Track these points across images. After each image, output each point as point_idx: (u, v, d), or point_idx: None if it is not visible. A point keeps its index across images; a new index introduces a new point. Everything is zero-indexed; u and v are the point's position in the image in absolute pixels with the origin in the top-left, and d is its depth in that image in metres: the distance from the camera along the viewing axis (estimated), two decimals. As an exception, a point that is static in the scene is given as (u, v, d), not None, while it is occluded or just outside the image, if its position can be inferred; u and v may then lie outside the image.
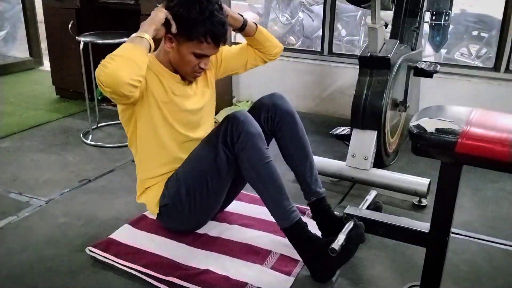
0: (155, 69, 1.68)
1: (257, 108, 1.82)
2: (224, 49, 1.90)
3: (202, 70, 1.70)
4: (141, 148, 1.76)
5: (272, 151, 1.83)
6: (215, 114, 3.29)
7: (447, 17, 2.69)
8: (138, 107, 1.67)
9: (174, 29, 1.59)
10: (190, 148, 1.76)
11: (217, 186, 1.70)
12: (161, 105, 1.68)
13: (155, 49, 1.65)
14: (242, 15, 1.82)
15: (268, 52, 1.95)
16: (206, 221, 1.88)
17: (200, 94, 1.83)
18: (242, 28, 1.83)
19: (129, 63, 1.45)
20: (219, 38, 1.62)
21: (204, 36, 1.59)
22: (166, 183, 1.75)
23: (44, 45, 4.12)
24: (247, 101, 3.63)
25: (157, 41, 1.58)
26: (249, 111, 1.82)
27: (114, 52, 1.46)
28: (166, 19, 1.58)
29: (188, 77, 1.74)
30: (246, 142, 1.59)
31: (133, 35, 1.54)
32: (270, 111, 1.80)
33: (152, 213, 1.85)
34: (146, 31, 1.53)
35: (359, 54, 2.30)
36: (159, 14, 1.57)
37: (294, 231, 1.63)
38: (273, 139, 1.86)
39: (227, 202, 1.94)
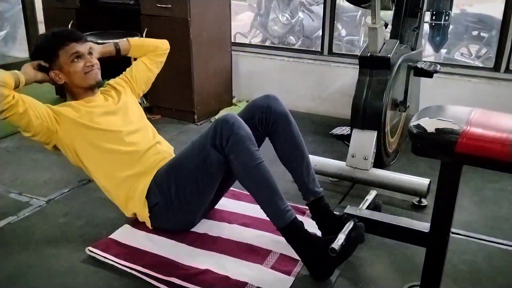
0: (70, 107, 1.85)
1: (251, 109, 1.84)
2: (128, 71, 2.12)
3: (92, 66, 1.85)
4: (97, 168, 1.86)
5: (269, 152, 1.84)
6: (215, 115, 3.32)
7: (447, 17, 2.69)
8: (65, 138, 1.82)
9: (43, 62, 1.83)
10: (137, 139, 1.89)
11: (207, 185, 1.74)
12: (79, 120, 1.82)
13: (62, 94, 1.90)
14: (113, 42, 2.05)
15: (154, 51, 2.13)
16: (196, 217, 1.89)
17: (112, 101, 1.97)
18: (119, 51, 2.05)
19: None
20: (69, 36, 1.84)
21: (62, 44, 1.81)
22: (156, 181, 1.78)
23: (44, 45, 4.11)
24: (247, 101, 3.62)
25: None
26: (242, 112, 1.85)
27: None
28: (38, 66, 1.82)
29: (90, 81, 1.87)
30: (237, 145, 1.61)
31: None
32: (264, 112, 1.81)
33: (145, 220, 1.86)
34: (23, 75, 1.76)
35: (359, 54, 2.30)
36: (26, 69, 1.80)
37: (290, 231, 1.63)
38: (268, 140, 1.87)
39: (217, 199, 1.96)
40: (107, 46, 2.04)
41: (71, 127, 1.82)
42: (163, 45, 2.17)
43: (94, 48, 1.93)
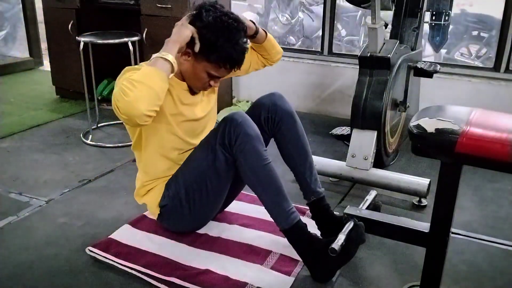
0: (172, 95, 1.67)
1: (256, 108, 1.82)
2: None
3: (211, 86, 1.71)
4: (144, 155, 1.77)
5: (271, 151, 1.84)
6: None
7: (447, 17, 2.69)
8: None
9: (197, 48, 1.57)
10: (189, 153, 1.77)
11: (216, 187, 1.71)
12: (169, 117, 1.68)
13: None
14: (254, 23, 1.80)
15: (271, 59, 1.98)
16: (206, 222, 1.88)
17: (206, 100, 1.84)
18: (254, 36, 1.82)
19: (150, 92, 1.40)
20: (236, 64, 1.64)
21: (224, 62, 1.60)
22: (166, 184, 1.76)
23: (44, 45, 4.12)
24: (247, 101, 3.63)
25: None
26: (248, 111, 1.83)
27: (135, 77, 1.41)
28: (192, 36, 1.56)
29: (195, 90, 1.74)
30: (245, 144, 1.59)
31: (156, 55, 1.49)
32: (270, 111, 1.79)
33: (153, 214, 1.85)
34: (170, 51, 1.50)
35: (359, 54, 2.30)
36: (186, 31, 1.55)
37: (294, 233, 1.63)
38: (272, 139, 1.86)
39: (227, 202, 1.94)
40: (251, 25, 1.77)
41: (160, 117, 1.64)
42: (279, 58, 2.01)
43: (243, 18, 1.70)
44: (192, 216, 1.77)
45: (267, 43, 1.89)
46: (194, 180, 1.69)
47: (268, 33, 1.89)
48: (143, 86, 1.40)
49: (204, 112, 1.81)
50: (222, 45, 1.56)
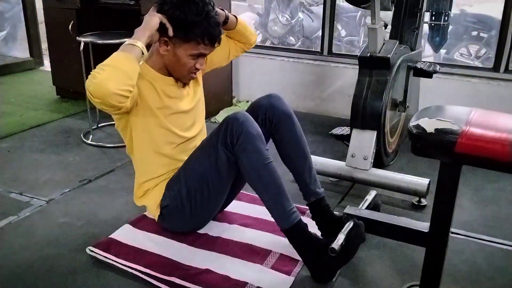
0: (148, 76, 1.68)
1: (254, 109, 1.82)
2: None
3: (198, 70, 1.72)
4: (138, 154, 1.78)
5: (271, 151, 1.84)
6: (215, 115, 3.32)
7: (446, 18, 2.69)
8: (132, 117, 1.68)
9: (170, 32, 1.58)
10: (186, 147, 1.78)
11: (218, 187, 1.71)
12: (156, 111, 1.69)
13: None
14: (223, 9, 1.81)
15: (248, 42, 1.99)
16: (207, 221, 1.88)
17: (193, 93, 1.85)
18: (225, 22, 1.83)
19: (118, 73, 1.44)
20: (215, 38, 1.64)
21: (202, 38, 1.60)
22: (167, 185, 1.76)
23: (44, 45, 4.12)
24: (247, 101, 3.64)
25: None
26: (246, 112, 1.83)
27: (104, 62, 1.46)
28: (161, 23, 1.57)
29: (183, 80, 1.75)
30: (246, 144, 1.59)
31: (126, 42, 1.53)
32: (267, 112, 1.80)
33: (153, 215, 1.85)
34: (139, 38, 1.52)
35: (358, 55, 2.30)
36: (153, 19, 1.56)
37: (294, 232, 1.63)
38: (271, 140, 1.86)
39: (228, 202, 1.94)
40: (221, 11, 1.77)
41: (146, 111, 1.68)
42: (255, 40, 2.02)
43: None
44: (194, 216, 1.77)
45: (239, 27, 1.90)
46: (196, 180, 1.69)
47: (238, 17, 1.90)
48: (110, 67, 1.44)
49: (191, 104, 1.82)
50: (193, 20, 1.57)
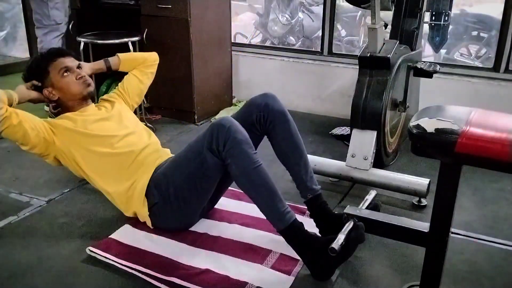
0: (65, 118, 1.93)
1: (249, 108, 1.86)
2: (120, 85, 2.21)
3: (84, 77, 1.95)
4: (97, 172, 1.90)
5: (269, 151, 1.84)
6: (215, 115, 3.32)
7: (446, 17, 2.69)
8: (63, 149, 1.88)
9: (36, 82, 1.92)
10: (133, 140, 1.94)
11: (205, 186, 1.76)
12: (75, 128, 1.89)
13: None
14: (104, 59, 2.14)
15: (144, 64, 2.23)
16: (196, 216, 1.90)
17: (105, 110, 2.05)
18: (109, 67, 2.15)
19: None
20: (56, 52, 1.97)
21: (50, 60, 1.92)
22: (155, 183, 1.79)
23: (44, 45, 4.11)
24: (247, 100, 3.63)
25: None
26: (240, 110, 1.88)
27: None
28: (31, 86, 1.91)
29: (83, 93, 1.96)
30: (234, 149, 1.61)
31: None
32: (262, 111, 1.83)
33: (144, 218, 1.87)
34: (17, 93, 1.83)
35: (359, 54, 2.30)
36: (20, 89, 1.88)
37: (291, 232, 1.63)
38: (266, 138, 1.88)
39: (217, 198, 1.97)
40: (98, 63, 2.14)
41: (67, 136, 1.88)
42: (151, 56, 2.26)
43: (85, 66, 2.03)
44: (183, 212, 1.81)
45: (124, 63, 2.19)
46: (183, 179, 1.74)
47: (120, 55, 2.18)
48: None
49: (107, 114, 2.01)
50: (37, 59, 1.98)
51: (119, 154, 1.88)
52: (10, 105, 1.77)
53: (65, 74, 1.92)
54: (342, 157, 2.33)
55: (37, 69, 1.94)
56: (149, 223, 1.86)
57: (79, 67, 1.97)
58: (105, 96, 2.17)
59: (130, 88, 2.20)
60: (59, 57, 1.94)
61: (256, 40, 5.15)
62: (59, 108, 2.03)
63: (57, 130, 1.87)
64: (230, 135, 1.61)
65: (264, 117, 1.83)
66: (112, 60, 2.17)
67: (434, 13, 2.71)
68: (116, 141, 1.90)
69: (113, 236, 1.84)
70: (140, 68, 2.22)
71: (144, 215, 1.84)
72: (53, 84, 1.92)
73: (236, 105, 3.57)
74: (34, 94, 1.92)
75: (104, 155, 1.88)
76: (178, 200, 1.76)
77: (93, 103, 2.05)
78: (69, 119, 1.92)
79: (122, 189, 1.86)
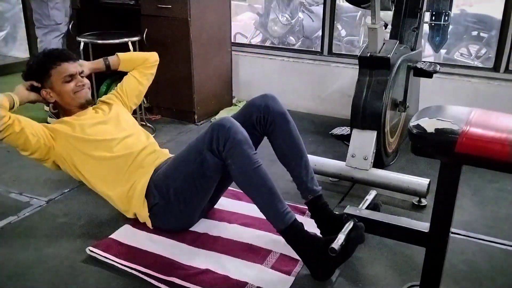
0: (63, 123, 1.93)
1: (249, 109, 1.86)
2: (119, 86, 2.21)
3: (83, 86, 1.95)
4: (96, 177, 1.91)
5: (269, 152, 1.84)
6: (215, 115, 3.32)
7: (446, 17, 2.69)
8: (62, 154, 1.89)
9: (35, 83, 1.91)
10: (131, 142, 1.94)
11: (205, 186, 1.76)
12: (73, 134, 1.89)
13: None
14: (103, 58, 2.15)
15: (144, 65, 2.22)
16: (195, 217, 1.90)
17: (102, 113, 2.05)
18: (109, 66, 2.15)
19: None
20: (60, 56, 1.94)
21: (53, 63, 1.90)
22: (155, 184, 1.79)
23: (44, 45, 4.11)
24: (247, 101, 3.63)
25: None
26: (240, 110, 1.88)
27: None
28: (30, 86, 1.90)
29: (80, 100, 1.96)
30: (234, 149, 1.61)
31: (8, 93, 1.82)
32: (262, 112, 1.83)
33: (144, 219, 1.87)
34: (17, 94, 1.84)
35: (359, 54, 2.30)
36: (19, 90, 1.88)
37: (291, 232, 1.63)
38: (267, 140, 1.88)
39: (216, 197, 1.97)
40: (97, 62, 2.15)
41: (66, 141, 1.89)
42: (152, 57, 2.26)
43: (84, 65, 2.03)
44: (183, 213, 1.81)
45: (124, 63, 2.19)
46: (183, 181, 1.73)
47: (120, 55, 2.18)
48: None
49: (104, 117, 2.01)
50: (37, 62, 1.93)
51: (117, 157, 1.88)
52: (11, 108, 1.78)
53: (67, 81, 1.92)
54: (342, 157, 2.33)
55: (39, 70, 1.92)
56: (149, 224, 1.86)
57: (81, 71, 1.97)
58: (103, 98, 2.17)
59: (129, 89, 2.20)
60: (63, 62, 1.93)
61: (256, 40, 5.15)
62: (56, 108, 2.05)
63: (55, 135, 1.89)
64: (230, 135, 1.61)
65: (264, 118, 1.82)
66: (112, 59, 2.18)
67: (434, 13, 2.71)
68: (115, 144, 1.91)
69: (113, 236, 1.84)
70: (140, 69, 2.22)
71: (144, 216, 1.84)
72: (52, 87, 1.93)
73: (236, 105, 3.57)
74: (33, 95, 1.93)
75: (103, 159, 1.88)
76: (178, 200, 1.76)
77: (90, 106, 2.05)
78: (66, 124, 1.93)
79: (122, 191, 1.86)
